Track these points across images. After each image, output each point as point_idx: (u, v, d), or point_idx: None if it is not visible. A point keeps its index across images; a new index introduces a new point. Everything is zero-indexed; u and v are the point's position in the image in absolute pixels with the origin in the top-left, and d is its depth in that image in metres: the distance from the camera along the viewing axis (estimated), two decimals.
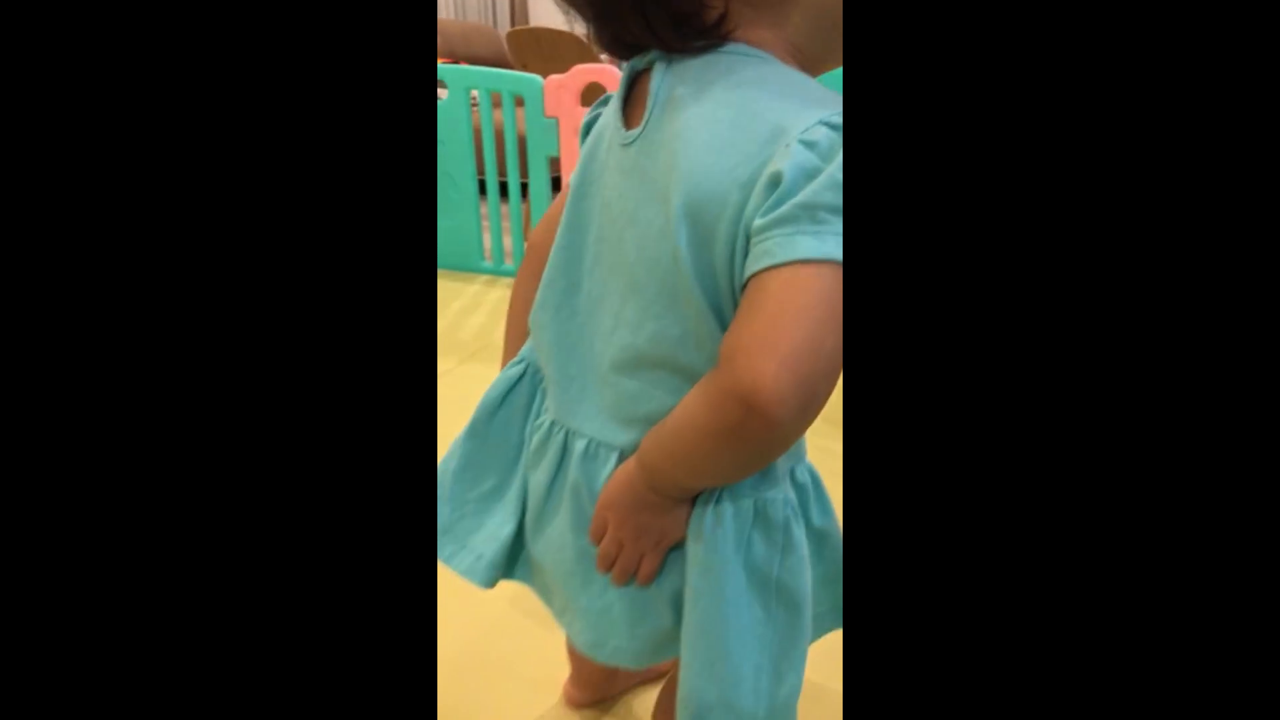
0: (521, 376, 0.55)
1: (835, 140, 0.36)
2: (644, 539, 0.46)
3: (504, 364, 0.58)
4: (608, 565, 0.48)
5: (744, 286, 0.38)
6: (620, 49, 0.46)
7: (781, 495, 0.46)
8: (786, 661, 0.47)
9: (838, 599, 0.53)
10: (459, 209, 2.10)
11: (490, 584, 0.55)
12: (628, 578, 0.48)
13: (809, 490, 0.49)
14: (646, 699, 0.82)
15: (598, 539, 0.48)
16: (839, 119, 0.37)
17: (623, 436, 0.47)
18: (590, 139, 0.51)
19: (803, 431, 0.40)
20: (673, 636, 0.49)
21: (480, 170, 2.12)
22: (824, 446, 1.28)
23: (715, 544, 0.45)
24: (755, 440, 0.39)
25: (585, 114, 0.55)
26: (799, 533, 0.46)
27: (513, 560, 0.56)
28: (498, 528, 0.54)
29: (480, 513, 0.55)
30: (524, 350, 0.56)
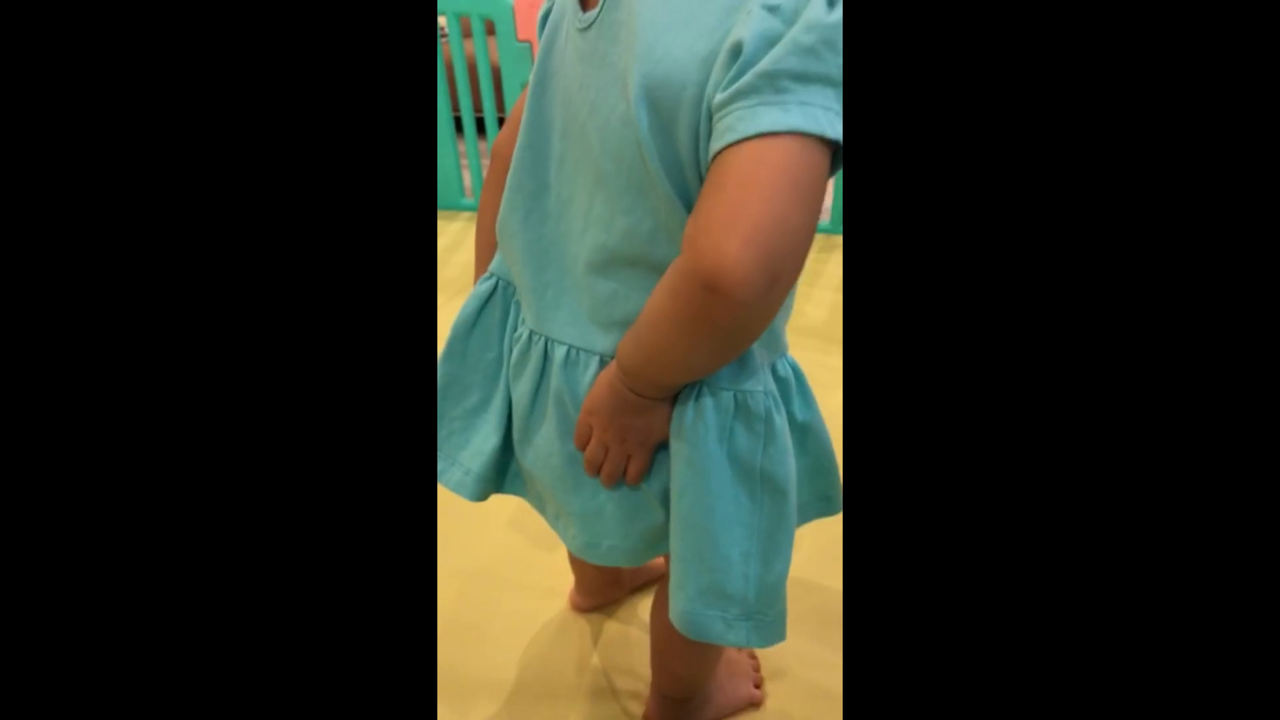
0: (493, 292, 0.54)
1: (798, 2, 0.34)
2: (629, 440, 0.47)
3: (475, 279, 0.57)
4: (595, 469, 0.49)
5: (708, 166, 0.37)
6: None
7: (761, 387, 0.47)
8: (773, 546, 0.48)
9: (820, 489, 0.55)
10: (437, 147, 2.06)
11: (479, 498, 0.56)
12: (616, 479, 0.49)
13: (790, 384, 0.50)
14: (648, 601, 0.85)
15: (583, 445, 0.48)
16: None
17: (602, 340, 0.46)
18: (548, 29, 0.48)
19: (772, 312, 0.38)
20: (665, 532, 0.50)
21: (455, 107, 2.07)
22: (823, 362, 1.30)
23: (698, 438, 0.45)
24: (723, 324, 0.37)
25: (542, 4, 0.52)
26: (780, 422, 0.47)
27: (501, 474, 0.56)
28: (482, 442, 0.55)
29: (466, 429, 0.56)
30: (493, 264, 0.55)
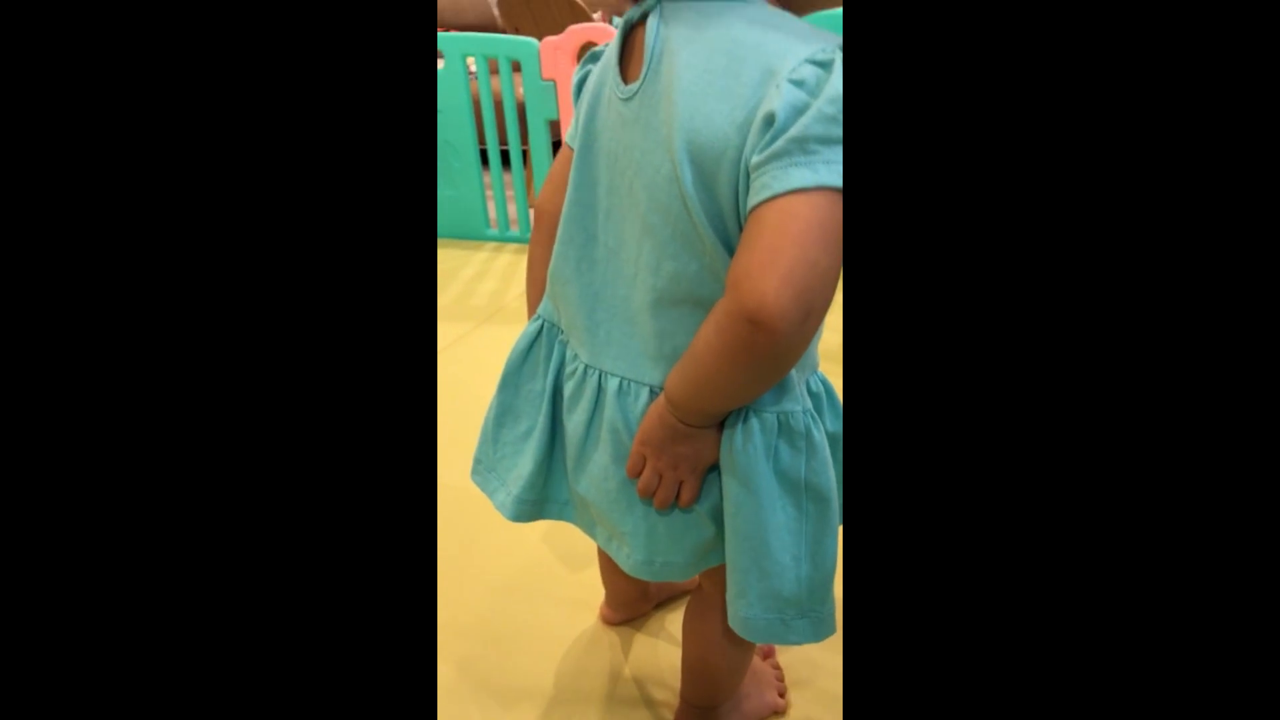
0: (539, 332, 0.60)
1: (822, 76, 0.39)
2: (681, 466, 0.51)
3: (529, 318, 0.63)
4: (649, 494, 0.53)
5: (746, 218, 0.42)
6: None
7: (800, 406, 0.51)
8: (820, 549, 0.53)
9: None
10: (462, 178, 2.13)
11: (517, 518, 0.61)
12: (670, 503, 0.53)
13: (822, 398, 0.55)
14: (675, 615, 0.89)
15: (636, 473, 0.53)
16: (824, 55, 0.40)
17: (651, 372, 0.51)
18: (587, 97, 0.54)
19: (806, 342, 0.43)
20: (714, 545, 0.55)
21: (481, 139, 2.15)
22: (834, 383, 1.33)
23: (748, 459, 0.49)
24: (765, 353, 0.42)
25: (574, 71, 0.58)
26: (819, 436, 0.52)
27: (540, 498, 0.61)
28: (523, 468, 0.60)
29: (516, 454, 0.61)
30: (541, 308, 0.61)
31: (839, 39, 0.40)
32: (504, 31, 3.07)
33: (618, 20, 0.51)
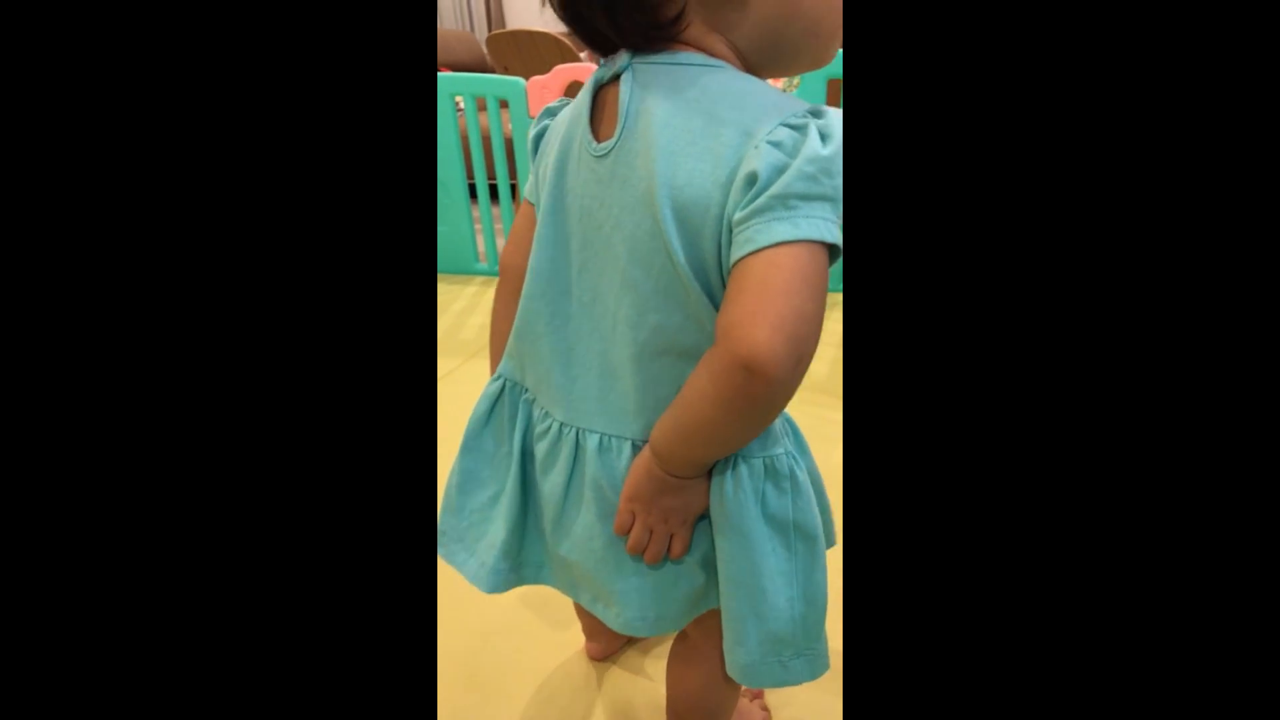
0: (501, 392, 0.59)
1: (797, 138, 0.42)
2: (672, 520, 0.51)
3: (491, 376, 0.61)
4: (640, 551, 0.52)
5: (730, 270, 0.43)
6: (596, 43, 0.50)
7: (783, 448, 0.51)
8: (811, 587, 0.53)
9: (825, 524, 0.58)
10: (451, 214, 2.15)
11: (493, 589, 0.58)
12: (661, 558, 0.52)
13: (794, 436, 0.54)
14: (659, 650, 0.87)
15: (625, 530, 0.52)
16: (797, 120, 0.42)
17: (633, 426, 0.51)
18: (552, 153, 0.53)
19: (797, 385, 0.44)
20: (705, 593, 0.54)
21: (470, 174, 2.17)
22: (824, 417, 1.33)
23: (739, 505, 0.49)
24: (759, 399, 0.43)
25: (531, 128, 0.58)
26: (802, 476, 0.52)
27: (515, 565, 0.59)
28: (494, 535, 0.58)
29: (483, 522, 0.59)
30: (502, 367, 0.59)
31: (806, 105, 0.44)
32: (493, 69, 3.13)
33: (604, 62, 0.51)
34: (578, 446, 0.53)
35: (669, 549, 0.52)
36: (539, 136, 0.57)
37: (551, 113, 0.57)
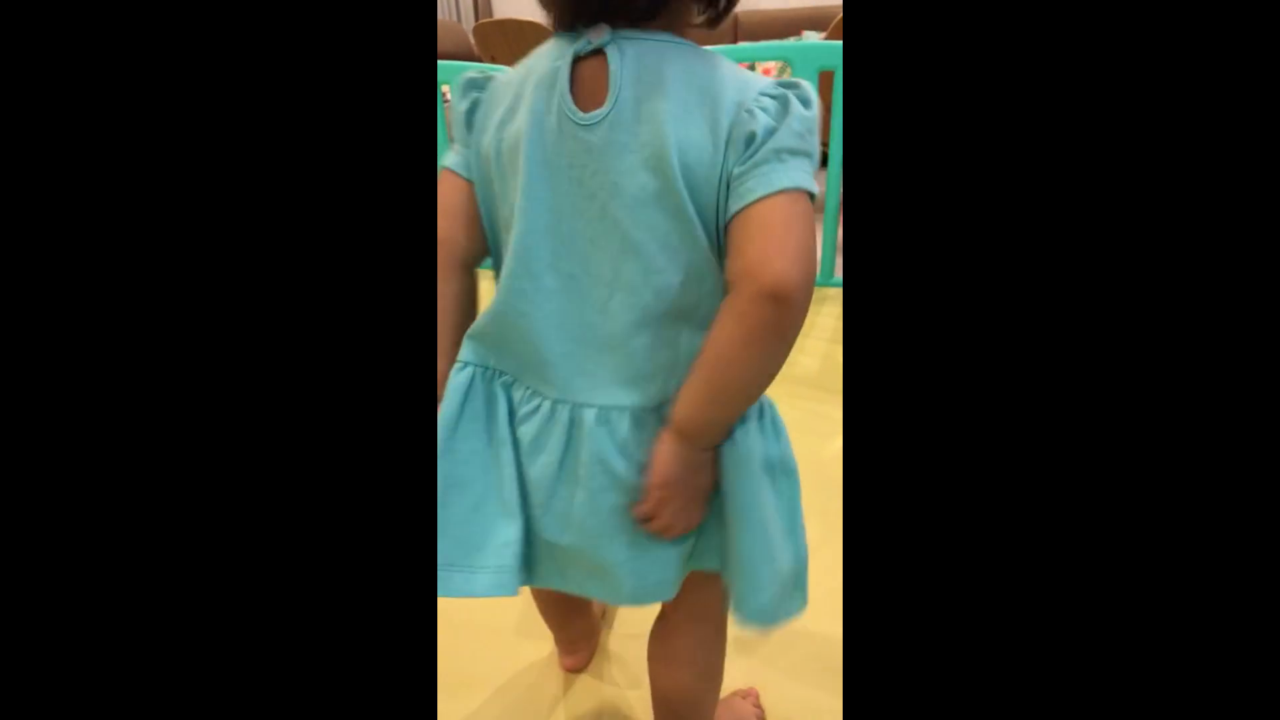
0: (471, 381, 0.55)
1: (779, 105, 0.48)
2: (699, 498, 0.52)
3: (441, 373, 0.56)
4: (673, 535, 0.53)
5: (729, 221, 0.48)
6: (580, 12, 0.50)
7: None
8: (796, 520, 0.56)
9: None
10: None
11: (516, 591, 0.55)
12: (680, 532, 0.54)
13: None
14: (633, 655, 0.87)
15: (645, 516, 0.51)
16: (774, 90, 0.48)
17: (633, 396, 0.51)
18: (526, 127, 0.51)
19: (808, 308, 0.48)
20: (692, 552, 0.56)
21: None
22: (818, 411, 1.33)
23: (749, 453, 0.51)
24: (786, 328, 0.47)
25: (459, 101, 0.55)
26: (777, 414, 0.55)
27: (528, 562, 0.57)
28: (504, 533, 0.54)
29: (479, 527, 0.55)
30: (465, 353, 0.56)
31: (773, 79, 0.50)
32: (480, 59, 3.09)
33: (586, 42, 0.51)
34: (572, 423, 0.52)
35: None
36: (470, 110, 0.55)
37: (479, 85, 0.55)
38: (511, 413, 0.55)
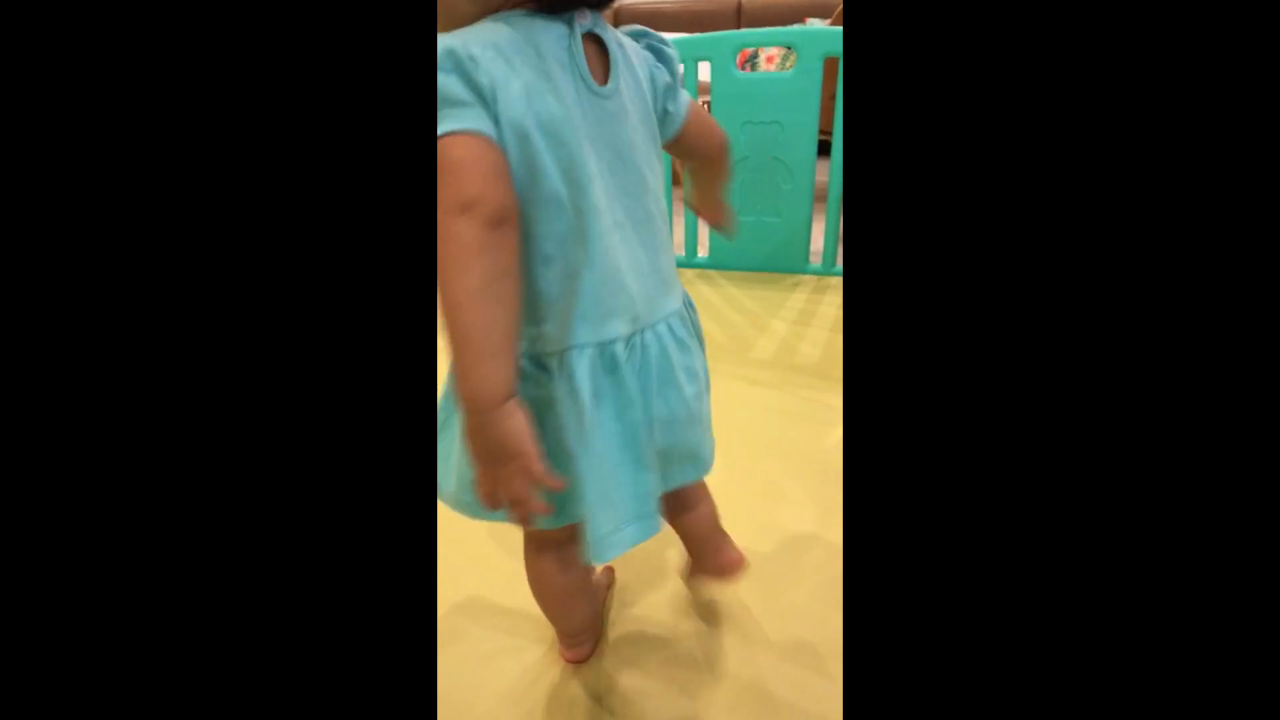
0: (594, 362, 0.59)
1: (672, 68, 0.69)
2: None
3: (489, 353, 0.49)
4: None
5: (680, 123, 0.70)
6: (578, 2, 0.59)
7: None
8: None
9: None
10: None
11: (660, 528, 0.66)
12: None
13: None
14: (635, 644, 0.87)
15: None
16: (654, 43, 0.68)
17: (674, 301, 0.66)
18: (571, 98, 0.55)
19: None
20: None
21: None
22: (818, 400, 1.33)
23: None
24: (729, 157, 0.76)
25: (447, 79, 0.50)
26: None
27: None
28: (644, 481, 0.63)
29: (618, 477, 0.62)
30: (578, 335, 0.57)
31: (628, 37, 0.67)
32: None
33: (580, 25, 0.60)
34: (656, 343, 0.64)
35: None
36: (473, 80, 0.51)
37: (471, 58, 0.51)
38: (619, 367, 0.60)
